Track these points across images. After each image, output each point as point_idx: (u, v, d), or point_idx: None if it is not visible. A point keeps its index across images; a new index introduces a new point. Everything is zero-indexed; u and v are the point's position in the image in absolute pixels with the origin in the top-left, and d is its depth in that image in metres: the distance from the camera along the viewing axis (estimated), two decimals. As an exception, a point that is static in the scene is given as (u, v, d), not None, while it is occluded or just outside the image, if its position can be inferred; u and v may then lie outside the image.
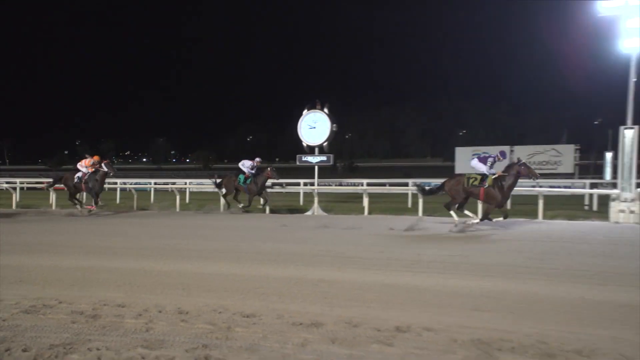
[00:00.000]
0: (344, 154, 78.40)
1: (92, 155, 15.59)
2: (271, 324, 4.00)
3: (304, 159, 17.35)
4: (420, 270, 6.19)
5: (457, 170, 22.87)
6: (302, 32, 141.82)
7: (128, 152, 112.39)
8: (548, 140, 32.46)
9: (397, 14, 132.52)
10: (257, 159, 15.79)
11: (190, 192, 23.43)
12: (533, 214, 13.22)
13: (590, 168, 25.87)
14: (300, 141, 17.20)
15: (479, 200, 11.50)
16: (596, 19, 13.05)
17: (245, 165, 15.55)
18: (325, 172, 17.50)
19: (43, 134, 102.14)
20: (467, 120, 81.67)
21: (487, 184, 10.57)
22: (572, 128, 42.26)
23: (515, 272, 6.10)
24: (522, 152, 21.86)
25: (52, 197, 18.37)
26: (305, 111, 17.03)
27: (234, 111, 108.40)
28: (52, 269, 6.37)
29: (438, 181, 25.16)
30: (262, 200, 15.60)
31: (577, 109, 64.89)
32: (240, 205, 15.52)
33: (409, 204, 17.08)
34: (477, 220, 10.69)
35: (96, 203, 15.10)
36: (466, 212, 11.07)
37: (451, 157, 25.50)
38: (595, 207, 15.94)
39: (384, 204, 16.99)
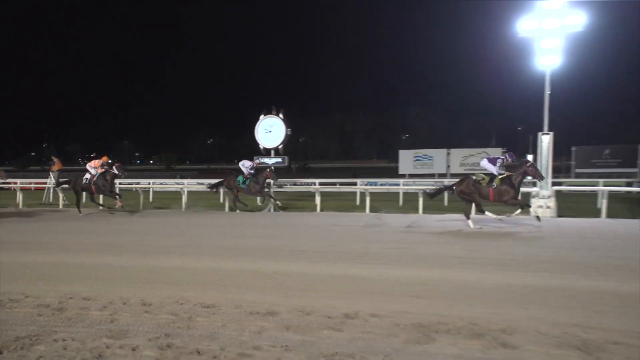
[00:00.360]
0: (298, 156, 78.30)
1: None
2: (230, 314, 3.97)
3: (261, 160, 17.26)
4: (366, 262, 6.28)
5: (401, 170, 23.33)
6: (259, 43, 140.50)
7: (94, 154, 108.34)
8: (479, 144, 33.57)
9: (345, 27, 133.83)
10: (257, 160, 15.38)
11: (154, 192, 22.79)
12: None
13: (515, 169, 26.88)
14: (257, 144, 17.12)
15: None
16: (517, 39, 13.67)
17: (245, 165, 14.96)
18: (281, 172, 17.45)
19: (9, 136, 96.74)
20: (409, 125, 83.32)
21: (495, 184, 10.26)
22: (500, 134, 43.98)
23: (450, 262, 6.28)
24: (458, 154, 22.49)
25: (19, 196, 17.48)
26: (262, 116, 16.98)
27: (195, 115, 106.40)
28: (19, 265, 6.09)
29: (384, 180, 25.47)
30: (271, 200, 15.00)
31: (504, 117, 67.38)
32: (262, 205, 14.83)
33: (357, 202, 17.28)
34: (518, 211, 10.38)
35: (119, 197, 14.25)
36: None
37: (395, 159, 25.95)
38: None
39: (335, 202, 17.10)
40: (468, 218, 10.43)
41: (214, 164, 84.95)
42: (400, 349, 3.19)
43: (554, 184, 13.41)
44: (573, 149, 19.24)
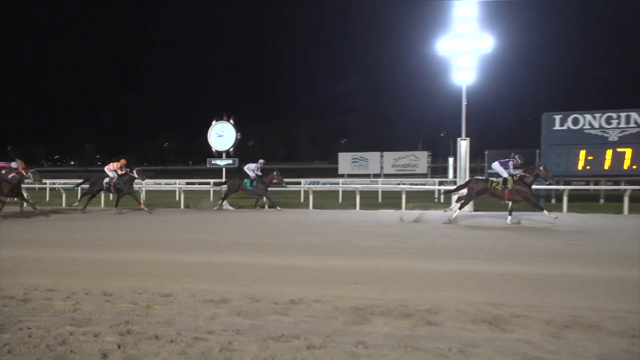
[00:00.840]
0: (247, 158, 77.30)
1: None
2: (185, 302, 3.89)
3: (213, 162, 16.99)
4: (310, 254, 6.30)
5: (340, 170, 23.55)
6: (213, 53, 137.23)
7: (57, 156, 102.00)
8: (408, 147, 34.56)
9: (294, 40, 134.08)
10: (261, 161, 14.76)
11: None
12: (398, 206, 14.03)
13: (438, 170, 27.88)
14: (210, 147, 16.83)
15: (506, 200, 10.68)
16: (438, 57, 14.24)
17: (250, 168, 14.28)
18: (232, 173, 17.21)
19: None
20: (348, 130, 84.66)
21: (509, 186, 10.11)
22: (425, 139, 45.23)
23: (384, 252, 6.42)
24: (390, 157, 22.93)
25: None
26: (214, 122, 16.73)
27: (153, 120, 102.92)
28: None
29: (325, 180, 25.50)
30: (264, 200, 14.33)
31: (428, 124, 69.85)
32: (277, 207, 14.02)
33: (302, 199, 17.34)
34: (553, 216, 10.01)
35: (139, 202, 13.33)
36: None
37: (335, 161, 26.19)
38: (442, 200, 17.30)
39: (282, 199, 17.04)
40: (461, 208, 10.60)
41: (170, 166, 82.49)
42: (339, 330, 3.24)
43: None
44: (486, 152, 20.18)
